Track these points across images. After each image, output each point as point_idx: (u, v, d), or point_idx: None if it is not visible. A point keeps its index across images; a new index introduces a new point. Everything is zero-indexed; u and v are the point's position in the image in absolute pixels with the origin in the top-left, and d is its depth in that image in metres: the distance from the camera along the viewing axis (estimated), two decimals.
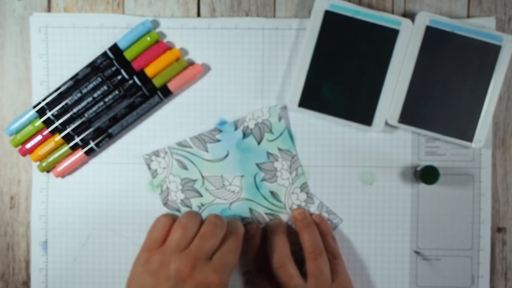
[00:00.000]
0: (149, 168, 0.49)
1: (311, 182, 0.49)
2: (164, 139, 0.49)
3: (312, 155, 0.49)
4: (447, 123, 0.47)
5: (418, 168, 0.48)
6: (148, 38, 0.48)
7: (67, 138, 0.49)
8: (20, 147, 0.49)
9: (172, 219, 0.43)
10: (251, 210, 0.49)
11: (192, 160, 0.49)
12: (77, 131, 0.48)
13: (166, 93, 0.48)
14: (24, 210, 0.50)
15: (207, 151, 0.49)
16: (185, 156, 0.49)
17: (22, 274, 0.50)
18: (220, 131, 0.49)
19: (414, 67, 0.47)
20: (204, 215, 0.49)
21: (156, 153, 0.49)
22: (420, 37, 0.47)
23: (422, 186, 0.49)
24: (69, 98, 0.48)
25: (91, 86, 0.48)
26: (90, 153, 0.49)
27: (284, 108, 0.49)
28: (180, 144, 0.49)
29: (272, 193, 0.49)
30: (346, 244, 0.49)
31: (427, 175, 0.46)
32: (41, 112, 0.48)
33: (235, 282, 0.49)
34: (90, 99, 0.48)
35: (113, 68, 0.48)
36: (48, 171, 0.50)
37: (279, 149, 0.49)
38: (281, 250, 0.45)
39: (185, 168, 0.49)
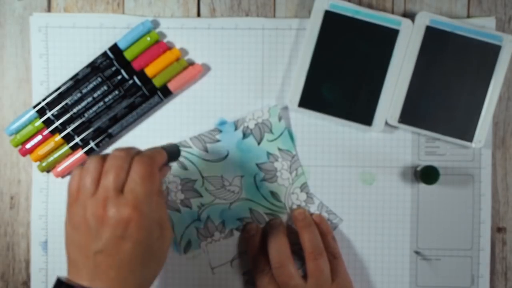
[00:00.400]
0: None
1: (311, 182, 0.49)
2: (164, 139, 0.49)
3: (312, 155, 0.49)
4: (447, 123, 0.47)
5: (418, 168, 0.48)
6: (148, 38, 0.48)
7: (67, 138, 0.49)
8: (20, 147, 0.49)
9: (81, 168, 0.39)
10: (251, 210, 0.49)
11: (192, 160, 0.49)
12: (77, 131, 0.48)
13: (166, 93, 0.48)
14: (24, 210, 0.50)
15: (207, 151, 0.49)
16: (185, 156, 0.49)
17: (22, 274, 0.50)
18: (220, 131, 0.49)
19: (414, 67, 0.47)
20: (204, 215, 0.49)
21: None
22: (420, 37, 0.47)
23: (422, 186, 0.49)
24: (69, 98, 0.48)
25: (91, 86, 0.48)
26: (90, 153, 0.49)
27: (284, 108, 0.49)
28: (180, 144, 0.49)
29: (272, 193, 0.49)
30: (346, 244, 0.49)
31: (427, 175, 0.46)
32: (41, 112, 0.48)
33: (235, 282, 0.49)
34: (90, 99, 0.48)
35: (113, 68, 0.48)
36: (48, 171, 0.50)
37: (279, 149, 0.49)
38: (281, 250, 0.45)
39: (185, 168, 0.49)
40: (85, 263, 0.37)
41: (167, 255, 0.40)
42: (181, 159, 0.49)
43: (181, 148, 0.49)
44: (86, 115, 0.48)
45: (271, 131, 0.49)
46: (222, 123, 0.49)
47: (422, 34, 0.47)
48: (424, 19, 0.47)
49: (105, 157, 0.39)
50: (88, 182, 0.38)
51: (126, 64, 0.48)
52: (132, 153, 0.39)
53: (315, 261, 0.45)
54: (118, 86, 0.48)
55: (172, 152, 0.43)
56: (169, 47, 0.48)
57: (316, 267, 0.44)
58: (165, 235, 0.39)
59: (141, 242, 0.37)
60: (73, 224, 0.38)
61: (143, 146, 0.49)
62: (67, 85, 0.48)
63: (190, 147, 0.49)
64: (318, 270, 0.44)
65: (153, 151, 0.40)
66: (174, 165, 0.49)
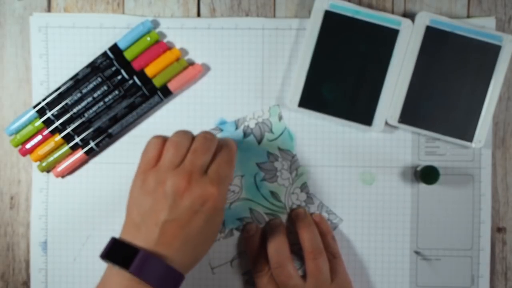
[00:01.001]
0: None
1: (311, 182, 0.49)
2: None
3: (312, 155, 0.49)
4: (447, 123, 0.47)
5: (418, 168, 0.48)
6: (148, 38, 0.48)
7: (67, 138, 0.48)
8: (20, 147, 0.49)
9: (163, 139, 0.42)
10: (251, 210, 0.49)
11: None
12: (77, 131, 0.48)
13: (166, 93, 0.48)
14: (24, 210, 0.50)
15: None
16: None
17: (22, 274, 0.50)
18: (221, 130, 0.49)
19: (414, 67, 0.47)
20: None
21: None
22: (420, 37, 0.47)
23: (422, 186, 0.49)
24: (69, 98, 0.48)
25: (91, 86, 0.48)
26: (90, 153, 0.49)
27: (284, 108, 0.49)
28: None
29: (272, 193, 0.49)
30: (346, 244, 0.49)
31: (427, 175, 0.46)
32: (41, 112, 0.48)
33: (235, 282, 0.49)
34: (90, 99, 0.48)
35: (113, 68, 0.48)
36: (48, 171, 0.50)
37: (279, 149, 0.49)
38: (280, 250, 0.45)
39: None
40: (150, 228, 0.39)
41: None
42: None
43: None
44: (86, 115, 0.48)
45: (271, 131, 0.49)
46: (223, 122, 0.49)
47: (422, 34, 0.47)
48: (424, 19, 0.47)
49: (191, 136, 0.42)
50: (174, 156, 0.40)
51: (126, 64, 0.48)
52: (216, 139, 0.42)
53: (315, 260, 0.45)
54: (118, 86, 0.48)
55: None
56: (169, 47, 0.48)
57: (316, 267, 0.44)
58: (222, 216, 0.42)
59: (211, 220, 0.40)
60: (146, 190, 0.40)
61: (143, 146, 0.49)
62: (67, 85, 0.48)
63: None
64: (318, 270, 0.44)
65: (232, 143, 0.43)
66: None
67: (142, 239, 0.39)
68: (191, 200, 0.39)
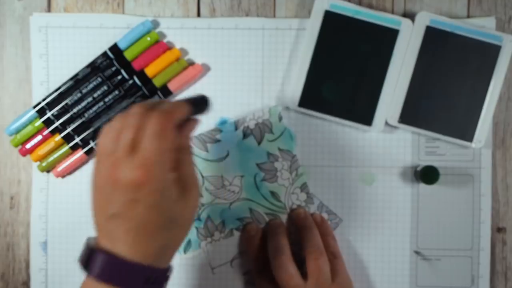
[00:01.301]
0: None
1: (311, 182, 0.49)
2: None
3: (312, 155, 0.49)
4: (447, 123, 0.47)
5: (418, 168, 0.48)
6: (148, 38, 0.48)
7: (67, 138, 0.48)
8: (20, 147, 0.49)
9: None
10: (251, 210, 0.49)
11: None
12: (77, 131, 0.48)
13: (166, 93, 0.48)
14: (24, 210, 0.50)
15: (207, 151, 0.49)
16: None
17: (22, 274, 0.50)
18: (221, 131, 0.49)
19: (414, 67, 0.47)
20: (204, 215, 0.49)
21: None
22: (420, 37, 0.47)
23: (422, 186, 0.49)
24: (69, 98, 0.48)
25: (91, 86, 0.48)
26: (90, 153, 0.49)
27: (284, 108, 0.49)
28: None
29: (272, 193, 0.49)
30: (346, 244, 0.49)
31: (427, 175, 0.46)
32: (41, 112, 0.48)
33: (235, 282, 0.49)
34: (90, 99, 0.48)
35: (113, 68, 0.48)
36: (48, 171, 0.50)
37: (279, 149, 0.49)
38: (281, 250, 0.45)
39: None
40: (104, 226, 0.36)
41: (193, 217, 0.37)
42: None
43: None
44: (86, 115, 0.48)
45: (271, 131, 0.49)
46: (223, 122, 0.49)
47: (422, 34, 0.47)
48: (424, 19, 0.47)
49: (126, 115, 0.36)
50: (107, 142, 0.35)
51: (126, 64, 0.48)
52: (149, 109, 0.35)
53: (316, 261, 0.45)
54: (118, 86, 0.48)
55: (198, 103, 0.38)
56: (169, 47, 0.48)
57: (316, 267, 0.44)
58: (187, 196, 0.36)
59: (155, 206, 0.34)
60: (93, 185, 0.36)
61: None
62: (67, 85, 0.48)
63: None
64: (318, 269, 0.44)
65: (171, 104, 0.36)
66: None
67: (103, 238, 0.36)
68: (123, 190, 0.34)
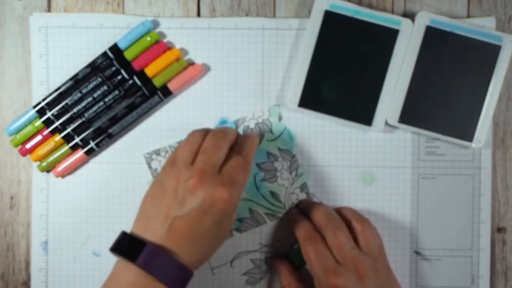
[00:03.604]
0: (150, 167, 0.49)
1: (311, 182, 0.49)
2: (164, 139, 0.49)
3: (312, 155, 0.49)
4: (447, 123, 0.47)
5: (295, 246, 0.48)
6: (148, 38, 0.48)
7: (67, 138, 0.49)
8: (20, 147, 0.49)
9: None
10: (250, 210, 0.49)
11: None
12: (77, 131, 0.48)
13: (166, 93, 0.48)
14: (24, 210, 0.50)
15: None
16: None
17: (22, 274, 0.50)
18: None
19: (414, 67, 0.47)
20: None
21: (157, 152, 0.49)
22: (420, 37, 0.47)
23: (422, 186, 0.49)
24: (69, 98, 0.48)
25: (91, 86, 0.48)
26: (90, 153, 0.49)
27: (284, 108, 0.49)
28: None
29: (272, 193, 0.49)
30: None
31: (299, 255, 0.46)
32: (41, 112, 0.48)
33: (235, 282, 0.49)
34: (90, 99, 0.48)
35: (113, 68, 0.48)
36: (48, 171, 0.50)
37: (279, 149, 0.49)
38: (331, 213, 0.45)
39: None
40: (160, 222, 0.39)
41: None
42: None
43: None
44: (86, 115, 0.48)
45: (271, 131, 0.49)
46: (223, 122, 0.49)
47: (422, 34, 0.47)
48: (424, 19, 0.47)
49: (206, 133, 0.42)
50: (187, 153, 0.41)
51: (126, 64, 0.48)
52: (231, 136, 0.42)
53: (363, 232, 0.44)
54: (118, 86, 0.48)
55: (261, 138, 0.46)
56: (169, 47, 0.48)
57: (366, 238, 0.44)
58: (233, 220, 0.42)
59: (220, 223, 0.40)
60: (162, 185, 0.41)
61: (143, 146, 0.49)
62: (67, 85, 0.48)
63: None
64: (368, 239, 0.44)
65: (251, 145, 0.43)
66: None
67: (151, 233, 0.39)
68: (200, 200, 0.38)
